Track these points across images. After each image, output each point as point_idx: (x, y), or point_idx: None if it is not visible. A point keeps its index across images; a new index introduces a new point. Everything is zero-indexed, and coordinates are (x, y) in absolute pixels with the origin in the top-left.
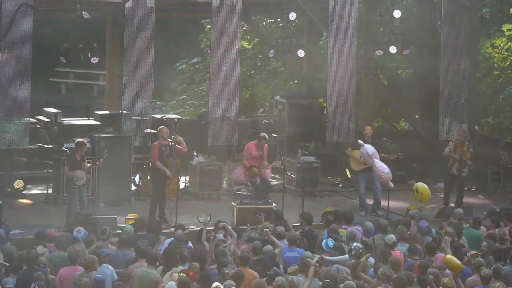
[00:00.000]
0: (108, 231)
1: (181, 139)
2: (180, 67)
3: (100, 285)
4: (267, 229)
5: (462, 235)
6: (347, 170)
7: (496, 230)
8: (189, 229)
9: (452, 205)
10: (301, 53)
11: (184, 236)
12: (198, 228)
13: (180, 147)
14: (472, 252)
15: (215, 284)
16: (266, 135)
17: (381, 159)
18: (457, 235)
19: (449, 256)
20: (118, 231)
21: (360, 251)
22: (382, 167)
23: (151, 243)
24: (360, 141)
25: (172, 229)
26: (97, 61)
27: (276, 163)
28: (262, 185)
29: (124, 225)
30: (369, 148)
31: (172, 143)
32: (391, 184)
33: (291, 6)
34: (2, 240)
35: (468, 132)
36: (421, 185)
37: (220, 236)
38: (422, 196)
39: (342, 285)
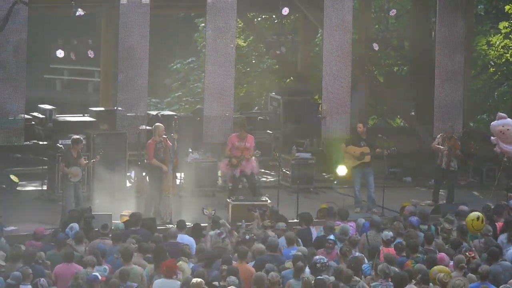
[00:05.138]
0: (109, 227)
1: (176, 136)
2: (175, 67)
3: (93, 284)
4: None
5: (466, 232)
6: (338, 169)
7: None
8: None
9: (443, 202)
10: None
11: (176, 233)
12: (192, 224)
13: (170, 143)
14: (469, 251)
15: (196, 280)
16: (241, 119)
17: (376, 154)
18: (462, 233)
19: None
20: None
21: (323, 265)
22: None
23: (145, 239)
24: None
25: (167, 225)
26: (93, 55)
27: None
28: (241, 180)
29: (119, 221)
30: None
31: (169, 141)
32: None
33: (286, 3)
34: None
35: (462, 128)
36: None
37: (222, 233)
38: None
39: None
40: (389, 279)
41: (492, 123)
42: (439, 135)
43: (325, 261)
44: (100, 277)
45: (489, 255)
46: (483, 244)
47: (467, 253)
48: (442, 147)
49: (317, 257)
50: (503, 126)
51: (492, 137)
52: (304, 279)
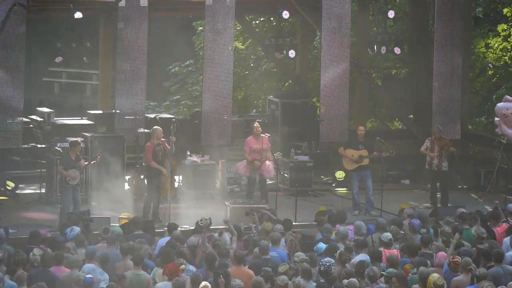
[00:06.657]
0: (110, 230)
1: (174, 139)
2: (173, 70)
3: (88, 286)
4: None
5: (462, 234)
6: (336, 173)
7: (473, 228)
8: (182, 228)
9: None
10: (292, 53)
11: (182, 236)
12: (191, 228)
13: (168, 146)
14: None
15: (203, 283)
16: (257, 123)
17: (374, 157)
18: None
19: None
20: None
21: (330, 266)
22: None
23: (149, 243)
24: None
25: (165, 228)
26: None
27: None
28: (256, 183)
29: (117, 224)
30: None
31: (167, 143)
32: None
33: (285, 6)
34: (2, 239)
35: (460, 131)
36: None
37: (226, 236)
38: None
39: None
40: (378, 282)
41: (498, 104)
42: (427, 140)
43: (333, 263)
44: (94, 279)
45: (493, 257)
46: (487, 247)
47: (450, 258)
48: (431, 153)
49: (325, 259)
50: (507, 110)
51: (496, 118)
52: (295, 283)
